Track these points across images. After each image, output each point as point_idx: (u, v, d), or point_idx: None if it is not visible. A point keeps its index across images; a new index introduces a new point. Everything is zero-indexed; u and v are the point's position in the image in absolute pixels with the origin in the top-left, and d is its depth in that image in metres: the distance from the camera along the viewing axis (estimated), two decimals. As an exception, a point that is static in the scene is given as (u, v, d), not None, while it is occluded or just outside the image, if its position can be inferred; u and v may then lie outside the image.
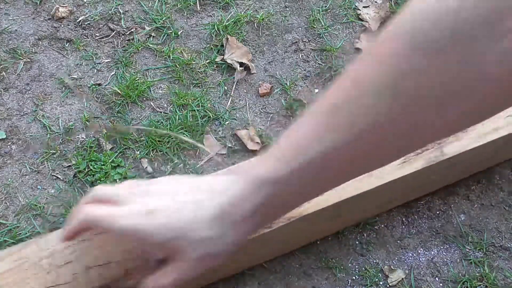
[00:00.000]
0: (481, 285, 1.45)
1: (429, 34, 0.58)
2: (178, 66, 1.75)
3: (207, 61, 1.78)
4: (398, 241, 1.51)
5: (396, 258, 1.49)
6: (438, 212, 1.55)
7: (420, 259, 1.49)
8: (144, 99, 1.70)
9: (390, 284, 1.45)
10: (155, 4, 1.87)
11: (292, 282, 1.45)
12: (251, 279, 1.44)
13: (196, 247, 0.76)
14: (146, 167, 1.59)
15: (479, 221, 1.54)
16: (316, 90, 1.75)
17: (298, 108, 1.71)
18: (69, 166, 1.58)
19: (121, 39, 1.81)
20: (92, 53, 1.77)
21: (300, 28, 1.87)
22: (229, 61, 1.76)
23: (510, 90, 0.60)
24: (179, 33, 1.83)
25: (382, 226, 1.53)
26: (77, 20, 1.82)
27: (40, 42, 1.78)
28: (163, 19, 1.84)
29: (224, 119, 1.68)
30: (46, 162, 1.58)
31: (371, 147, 0.68)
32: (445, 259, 1.49)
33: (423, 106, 0.62)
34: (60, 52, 1.77)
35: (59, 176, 1.56)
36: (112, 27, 1.82)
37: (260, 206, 0.74)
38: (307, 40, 1.84)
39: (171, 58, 1.77)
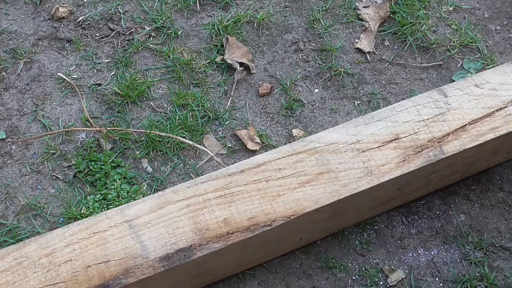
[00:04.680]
0: (481, 285, 1.44)
1: None
2: (178, 66, 1.75)
3: (207, 61, 1.78)
4: (398, 241, 1.51)
5: (396, 258, 1.49)
6: (438, 212, 1.55)
7: (420, 259, 1.49)
8: (144, 99, 1.70)
9: (390, 284, 1.45)
10: (155, 4, 1.88)
11: (292, 282, 1.45)
12: (251, 279, 1.44)
13: None
14: (146, 167, 1.59)
15: (479, 221, 1.54)
16: (316, 90, 1.75)
17: (298, 108, 1.71)
18: (69, 166, 1.58)
19: (121, 39, 1.81)
20: (92, 53, 1.77)
21: (300, 28, 1.87)
22: (229, 61, 1.76)
23: None
24: (179, 33, 1.83)
25: (382, 226, 1.53)
26: (77, 20, 1.83)
27: (40, 42, 1.78)
28: (163, 19, 1.84)
29: (224, 119, 1.68)
30: (46, 162, 1.58)
31: None
32: (445, 259, 1.49)
33: None
34: (60, 52, 1.77)
35: (59, 176, 1.56)
36: (112, 27, 1.83)
37: None
38: (307, 40, 1.84)
39: (171, 58, 1.77)
